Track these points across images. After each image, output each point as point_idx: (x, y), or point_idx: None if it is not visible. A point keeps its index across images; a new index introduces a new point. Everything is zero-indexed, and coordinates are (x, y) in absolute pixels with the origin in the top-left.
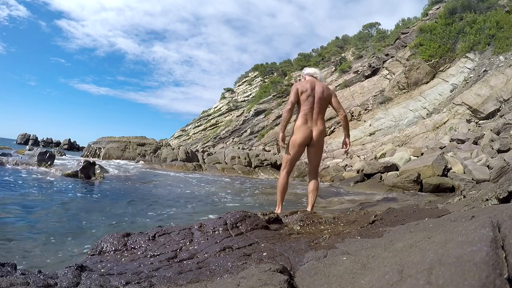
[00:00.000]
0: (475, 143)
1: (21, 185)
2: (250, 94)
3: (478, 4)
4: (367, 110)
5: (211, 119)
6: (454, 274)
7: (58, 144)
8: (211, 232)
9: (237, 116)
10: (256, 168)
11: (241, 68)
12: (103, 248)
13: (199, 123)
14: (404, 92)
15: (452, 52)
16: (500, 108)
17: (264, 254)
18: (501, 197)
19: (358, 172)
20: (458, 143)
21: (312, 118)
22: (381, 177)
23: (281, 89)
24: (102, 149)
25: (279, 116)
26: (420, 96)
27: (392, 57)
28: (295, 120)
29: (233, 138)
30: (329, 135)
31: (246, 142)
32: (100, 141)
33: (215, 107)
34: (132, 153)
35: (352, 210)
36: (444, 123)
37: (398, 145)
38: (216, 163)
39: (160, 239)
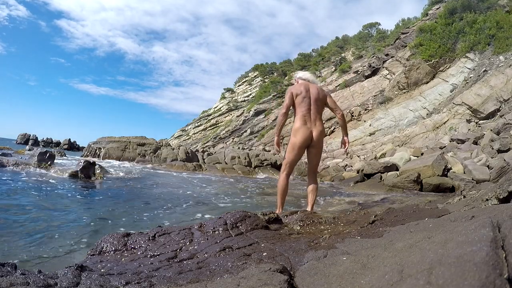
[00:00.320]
0: (475, 143)
1: (21, 185)
2: (250, 94)
3: (478, 4)
4: (367, 110)
5: (211, 119)
6: (454, 274)
7: (58, 144)
8: (211, 232)
9: (237, 116)
10: (256, 168)
11: (241, 68)
12: (103, 248)
13: (199, 123)
14: (404, 92)
15: (452, 52)
16: (500, 108)
17: (264, 254)
18: (501, 197)
19: (358, 172)
20: (458, 143)
21: (310, 119)
22: (381, 177)
23: (281, 89)
24: (102, 149)
25: None
26: (420, 96)
27: (392, 57)
28: (292, 123)
29: (233, 138)
30: (329, 135)
31: (246, 142)
32: (100, 141)
33: (215, 107)
34: (132, 153)
35: (352, 210)
36: (444, 123)
37: (398, 145)
38: (216, 163)
39: (160, 239)
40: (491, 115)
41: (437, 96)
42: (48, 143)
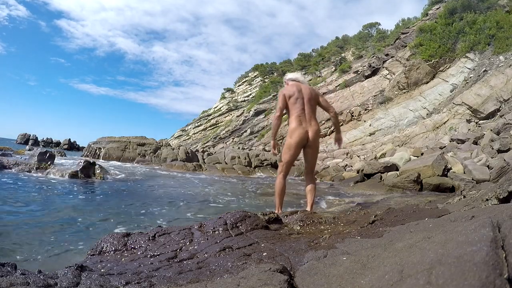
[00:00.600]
0: (475, 143)
1: (21, 185)
2: (250, 94)
3: (478, 4)
4: (367, 110)
5: (211, 119)
6: (454, 274)
7: (58, 144)
8: (211, 232)
9: (237, 116)
10: (256, 168)
11: (241, 68)
12: (103, 248)
13: (199, 123)
14: (404, 92)
15: (452, 52)
16: (500, 108)
17: (264, 254)
18: (501, 197)
19: (358, 172)
20: (458, 143)
21: (305, 119)
22: (381, 177)
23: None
24: (102, 149)
25: None
26: (420, 96)
27: (392, 57)
28: (287, 124)
29: (233, 138)
30: (329, 135)
31: (246, 142)
32: (100, 141)
33: (215, 107)
34: (132, 153)
35: (352, 210)
36: (444, 123)
37: (398, 145)
38: (216, 163)
39: (160, 239)
40: (491, 115)
41: (437, 96)
42: (48, 143)
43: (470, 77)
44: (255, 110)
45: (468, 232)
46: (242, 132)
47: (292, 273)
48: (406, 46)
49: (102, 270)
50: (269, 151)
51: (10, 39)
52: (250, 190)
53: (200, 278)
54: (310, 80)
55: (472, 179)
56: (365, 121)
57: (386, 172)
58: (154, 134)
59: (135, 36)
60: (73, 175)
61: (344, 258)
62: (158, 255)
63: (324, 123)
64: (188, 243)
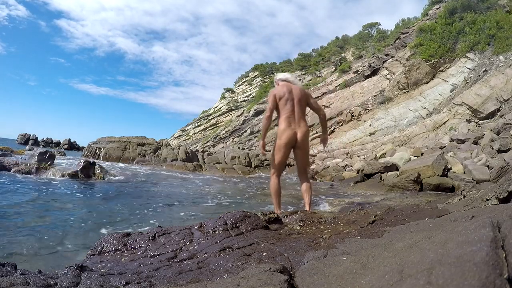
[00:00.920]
0: (475, 143)
1: (21, 185)
2: (250, 94)
3: (478, 4)
4: (367, 110)
5: (211, 119)
6: (454, 274)
7: (58, 144)
8: (211, 232)
9: (237, 116)
10: (256, 168)
11: (241, 68)
12: (103, 248)
13: (199, 123)
14: (404, 92)
15: (452, 52)
16: (500, 108)
17: (264, 254)
18: (501, 197)
19: (358, 172)
20: (458, 143)
21: (295, 120)
22: (381, 177)
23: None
24: (102, 149)
25: None
26: (420, 96)
27: (392, 57)
28: (277, 125)
29: (233, 138)
30: (329, 135)
31: (246, 142)
32: (100, 141)
33: (215, 107)
34: (132, 153)
35: (352, 210)
36: (444, 123)
37: (398, 145)
38: (216, 163)
39: (160, 239)
40: (491, 115)
41: (437, 96)
42: (48, 143)
43: (470, 77)
44: (255, 110)
45: (468, 232)
46: (242, 132)
47: (292, 273)
48: (406, 46)
49: (102, 270)
50: (269, 151)
51: (10, 39)
52: (250, 190)
53: (200, 278)
54: (310, 80)
55: (472, 179)
56: (365, 121)
57: (386, 172)
58: (154, 134)
59: (135, 36)
60: (73, 175)
61: (344, 258)
62: (158, 255)
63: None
64: (188, 243)
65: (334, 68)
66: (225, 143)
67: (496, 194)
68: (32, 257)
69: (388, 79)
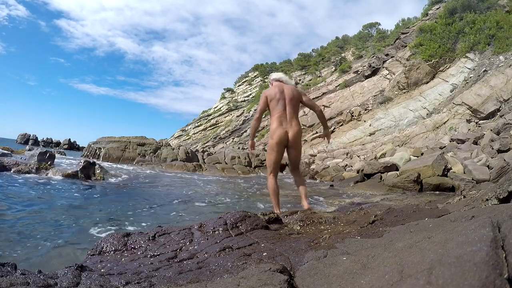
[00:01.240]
0: (475, 143)
1: (21, 185)
2: (250, 94)
3: (478, 4)
4: (367, 110)
5: (211, 119)
6: (454, 274)
7: (58, 144)
8: (211, 232)
9: (237, 116)
10: (256, 168)
11: (241, 68)
12: (103, 248)
13: (199, 123)
14: (404, 92)
15: (452, 52)
16: (500, 108)
17: (264, 254)
18: (501, 197)
19: (358, 172)
20: (458, 143)
21: (286, 119)
22: (381, 177)
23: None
24: (102, 149)
25: None
26: (420, 96)
27: (392, 57)
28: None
29: (233, 138)
30: None
31: (246, 142)
32: (100, 141)
33: (215, 107)
34: (132, 153)
35: (352, 210)
36: (444, 123)
37: (398, 145)
38: (216, 163)
39: (160, 239)
40: (491, 115)
41: (437, 96)
42: (48, 143)
43: (470, 77)
44: (255, 110)
45: (468, 232)
46: (242, 132)
47: (292, 273)
48: (406, 46)
49: (102, 270)
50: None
51: (10, 39)
52: (250, 190)
53: (200, 278)
54: (310, 80)
55: (472, 179)
56: (365, 121)
57: (386, 172)
58: (154, 134)
59: (135, 36)
60: (73, 175)
61: (344, 258)
62: (158, 255)
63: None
64: (188, 243)
65: (334, 68)
66: (225, 143)
67: (496, 194)
68: (32, 257)
69: (388, 79)
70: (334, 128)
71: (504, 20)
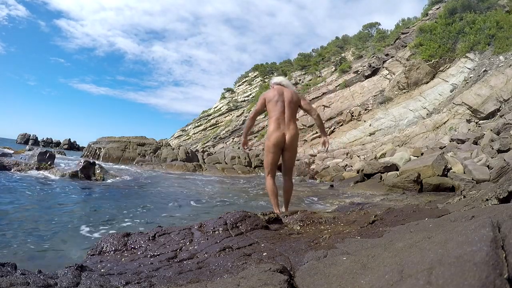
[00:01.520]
0: (475, 143)
1: (21, 185)
2: (250, 94)
3: (478, 4)
4: (367, 110)
5: (211, 119)
6: (454, 274)
7: (58, 144)
8: (211, 232)
9: (237, 116)
10: (256, 168)
11: (241, 68)
12: (103, 248)
13: (199, 123)
14: (404, 92)
15: (452, 52)
16: (500, 108)
17: (264, 254)
18: (501, 197)
19: (358, 172)
20: (458, 143)
21: (284, 122)
22: (381, 177)
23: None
24: (102, 149)
25: None
26: (420, 96)
27: (392, 57)
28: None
29: (233, 138)
30: (329, 135)
31: None
32: (100, 141)
33: (215, 107)
34: (132, 153)
35: (352, 210)
36: (444, 123)
37: (398, 145)
38: (216, 163)
39: (160, 239)
40: (491, 115)
41: (437, 96)
42: (48, 143)
43: (470, 77)
44: None
45: (468, 232)
46: (242, 132)
47: (292, 273)
48: (406, 46)
49: (102, 270)
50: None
51: (10, 39)
52: (250, 190)
53: (200, 278)
54: (310, 80)
55: (472, 179)
56: (365, 121)
57: (386, 172)
58: (154, 134)
59: (135, 36)
60: (73, 175)
61: (344, 258)
62: (158, 255)
63: (324, 123)
64: (188, 243)
65: (334, 68)
66: (225, 143)
67: (496, 194)
68: (31, 257)
69: (388, 79)
70: (334, 128)
71: (504, 20)
